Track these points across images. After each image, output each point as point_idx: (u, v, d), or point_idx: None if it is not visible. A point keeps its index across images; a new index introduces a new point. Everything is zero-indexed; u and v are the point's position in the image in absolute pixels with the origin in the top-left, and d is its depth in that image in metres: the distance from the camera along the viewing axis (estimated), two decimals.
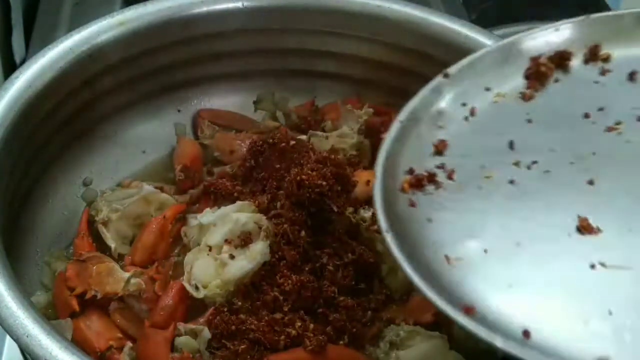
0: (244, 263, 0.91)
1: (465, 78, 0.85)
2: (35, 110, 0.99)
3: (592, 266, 0.68)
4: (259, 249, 0.91)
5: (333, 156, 0.99)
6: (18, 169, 0.97)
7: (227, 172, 1.09)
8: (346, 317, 0.90)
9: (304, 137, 1.11)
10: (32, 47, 1.41)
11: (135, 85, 1.14)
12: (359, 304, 0.92)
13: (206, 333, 0.88)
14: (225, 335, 0.88)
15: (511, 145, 0.79)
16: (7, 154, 0.93)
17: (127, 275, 0.94)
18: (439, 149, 0.80)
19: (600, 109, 0.81)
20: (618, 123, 0.79)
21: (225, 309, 0.90)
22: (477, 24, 1.13)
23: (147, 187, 1.06)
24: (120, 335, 0.93)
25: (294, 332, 0.87)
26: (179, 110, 1.20)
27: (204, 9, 1.13)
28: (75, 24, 1.26)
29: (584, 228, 0.71)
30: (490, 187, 0.76)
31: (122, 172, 1.14)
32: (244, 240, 0.92)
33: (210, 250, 0.92)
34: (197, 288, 0.91)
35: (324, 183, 0.92)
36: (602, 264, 0.68)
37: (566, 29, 0.86)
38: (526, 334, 0.64)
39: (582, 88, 0.84)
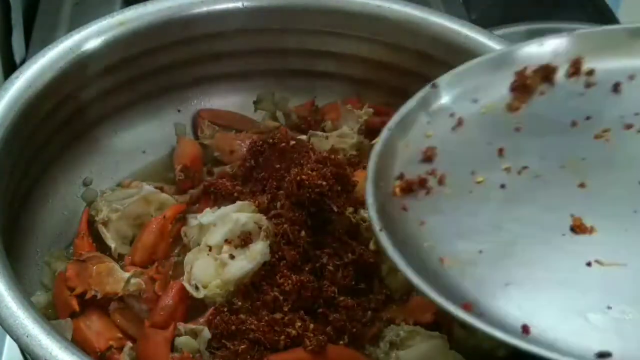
0: (244, 263, 0.91)
1: (453, 89, 0.87)
2: (35, 110, 0.99)
3: (589, 264, 0.69)
4: (259, 249, 0.91)
5: (333, 156, 0.99)
6: (18, 169, 0.97)
7: (227, 172, 1.09)
8: (346, 317, 0.90)
9: (304, 137, 1.11)
10: (32, 47, 1.41)
11: (135, 85, 1.14)
12: (359, 304, 0.92)
13: (206, 333, 0.88)
14: (225, 335, 0.88)
15: (501, 152, 0.81)
16: (7, 154, 0.93)
17: (127, 275, 0.94)
18: (429, 156, 0.82)
19: (588, 118, 0.82)
20: (605, 130, 0.80)
21: (225, 309, 0.90)
22: (477, 24, 1.13)
23: (147, 187, 1.06)
24: (120, 335, 0.93)
25: (294, 332, 0.87)
26: (179, 110, 1.20)
27: (204, 9, 1.13)
28: (75, 24, 1.25)
29: (578, 228, 0.72)
30: (481, 191, 0.77)
31: (122, 172, 1.14)
32: (244, 240, 0.92)
33: (210, 250, 0.92)
34: (197, 288, 0.91)
35: (324, 183, 0.92)
36: (599, 262, 0.69)
37: (551, 44, 0.88)
38: (525, 329, 0.65)
39: (568, 99, 0.85)
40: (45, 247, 1.03)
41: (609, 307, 0.65)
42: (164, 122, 1.19)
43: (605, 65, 0.85)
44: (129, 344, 0.92)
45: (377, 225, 0.73)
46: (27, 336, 0.76)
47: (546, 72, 0.87)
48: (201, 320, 0.91)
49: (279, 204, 0.95)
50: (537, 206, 0.75)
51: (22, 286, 0.82)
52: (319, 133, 1.12)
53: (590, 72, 0.86)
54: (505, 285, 0.68)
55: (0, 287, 0.79)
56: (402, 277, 0.70)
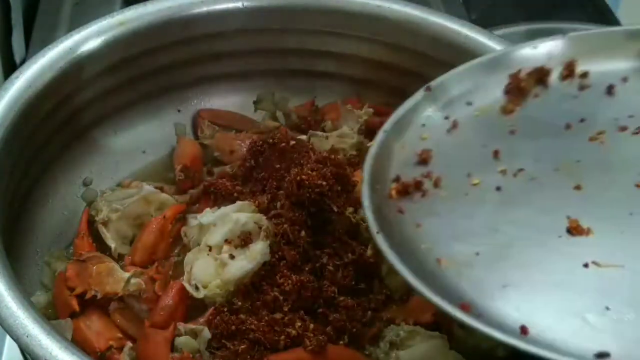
0: (244, 263, 0.91)
1: (447, 92, 0.87)
2: (35, 110, 0.99)
3: (586, 265, 0.69)
4: (259, 249, 0.91)
5: (333, 156, 0.99)
6: (18, 169, 0.97)
7: (227, 172, 1.09)
8: (346, 317, 0.90)
9: (304, 137, 1.11)
10: (32, 47, 1.41)
11: (135, 85, 1.14)
12: (359, 304, 0.92)
13: (206, 333, 0.88)
14: (225, 335, 0.88)
15: (496, 154, 0.81)
16: (7, 154, 0.93)
17: (127, 275, 0.94)
18: (424, 158, 0.82)
19: (582, 120, 0.82)
20: (600, 133, 0.81)
21: (225, 309, 0.90)
22: (477, 24, 1.13)
23: (147, 187, 1.06)
24: (120, 335, 0.93)
25: (294, 332, 0.87)
26: (179, 110, 1.20)
27: (204, 9, 1.13)
28: (75, 24, 1.26)
29: (575, 229, 0.72)
30: (477, 193, 0.78)
31: (122, 172, 1.14)
32: (244, 240, 0.92)
33: (210, 250, 0.92)
34: (197, 288, 0.91)
35: (324, 183, 0.92)
36: (596, 263, 0.69)
37: (545, 46, 0.88)
38: (524, 329, 0.65)
39: (562, 102, 0.85)
40: (45, 247, 1.03)
41: (607, 308, 0.65)
42: (164, 122, 1.19)
43: (599, 67, 0.86)
44: (129, 344, 0.92)
45: (374, 228, 0.73)
46: (27, 336, 0.76)
47: (540, 75, 0.87)
48: (201, 320, 0.91)
49: (279, 204, 0.95)
50: (533, 208, 0.75)
51: (22, 286, 0.82)
52: (319, 133, 1.12)
53: (584, 75, 0.86)
54: (502, 286, 0.68)
55: (0, 287, 0.80)
56: (402, 278, 0.70)
